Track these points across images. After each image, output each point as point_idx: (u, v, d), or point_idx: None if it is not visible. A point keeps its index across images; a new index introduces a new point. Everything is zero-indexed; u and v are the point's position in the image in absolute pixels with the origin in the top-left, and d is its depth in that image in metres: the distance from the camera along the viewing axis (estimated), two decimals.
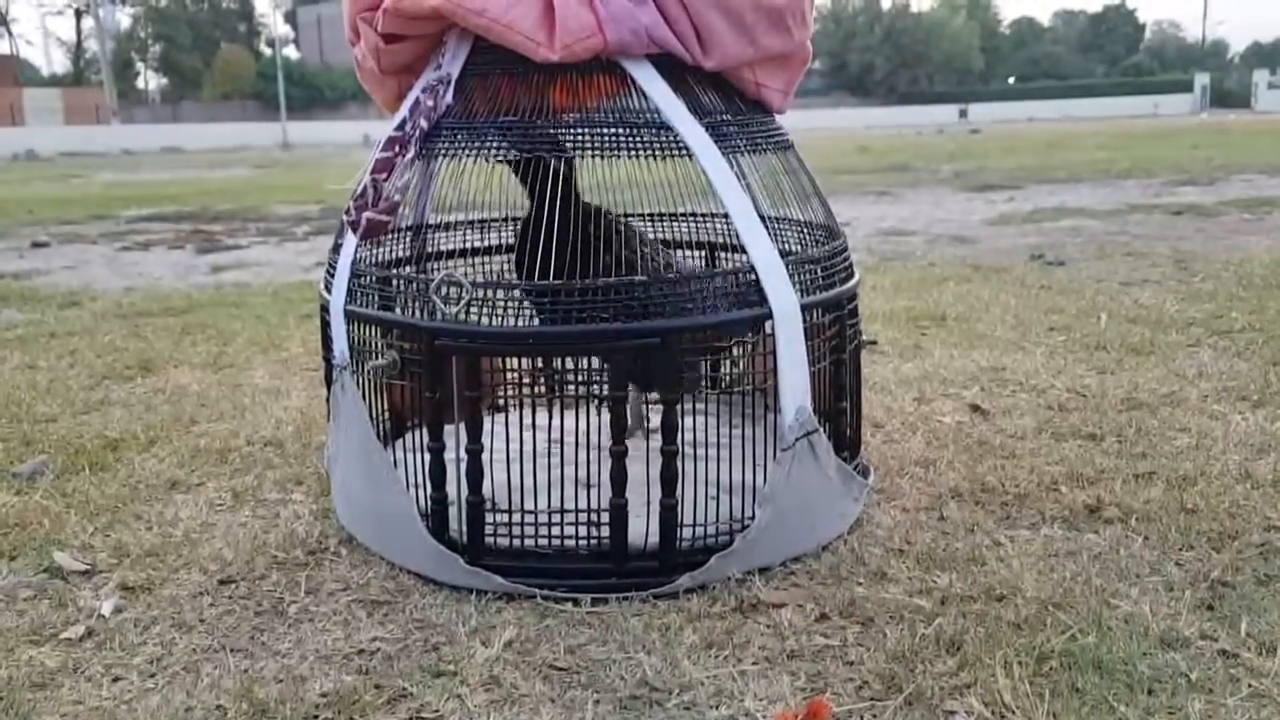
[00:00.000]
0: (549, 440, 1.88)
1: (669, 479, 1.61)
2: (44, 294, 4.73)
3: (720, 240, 2.07)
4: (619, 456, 1.61)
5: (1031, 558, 1.70)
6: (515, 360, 2.13)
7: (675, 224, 2.14)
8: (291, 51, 63.27)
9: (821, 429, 1.69)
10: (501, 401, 2.21)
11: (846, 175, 11.06)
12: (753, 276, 1.63)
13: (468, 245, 2.07)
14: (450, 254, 2.06)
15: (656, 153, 1.66)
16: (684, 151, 1.66)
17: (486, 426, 1.68)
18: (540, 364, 2.18)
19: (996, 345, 3.16)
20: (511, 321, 1.59)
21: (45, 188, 13.28)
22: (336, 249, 1.79)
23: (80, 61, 61.51)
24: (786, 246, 1.81)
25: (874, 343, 1.90)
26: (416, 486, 1.70)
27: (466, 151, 1.70)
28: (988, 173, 11.05)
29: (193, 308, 4.30)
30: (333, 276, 1.78)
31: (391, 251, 1.89)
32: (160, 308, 4.30)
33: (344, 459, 1.83)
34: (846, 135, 26.81)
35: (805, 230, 1.86)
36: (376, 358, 1.72)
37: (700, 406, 2.08)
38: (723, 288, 1.65)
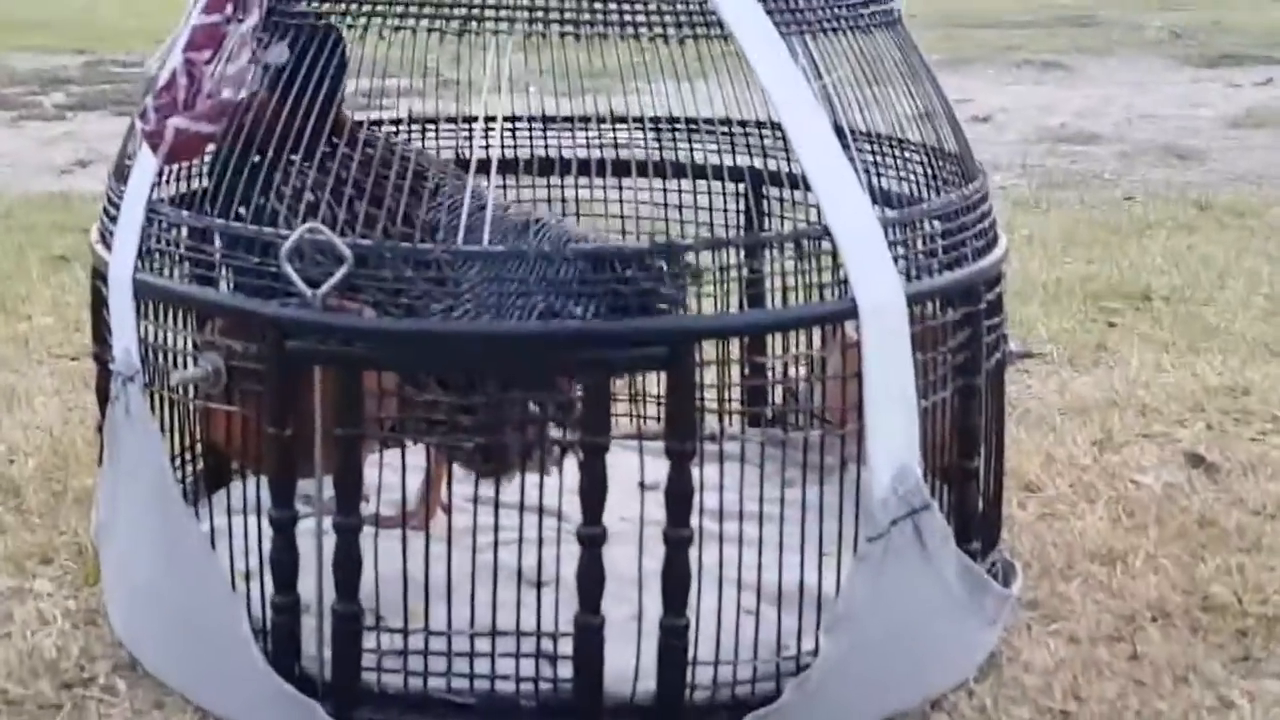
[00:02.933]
0: (475, 508, 1.41)
1: (677, 583, 1.18)
2: None
3: (770, 168, 1.58)
4: (593, 542, 1.15)
5: None
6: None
7: (702, 138, 1.63)
8: None
9: (936, 503, 1.25)
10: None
11: (986, 29, 7.49)
12: (824, 242, 1.20)
13: None
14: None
15: (669, 28, 1.23)
16: (715, 26, 1.22)
17: (371, 482, 1.28)
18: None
19: (1237, 347, 2.43)
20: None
21: None
22: (122, 175, 1.33)
23: None
24: (883, 186, 1.35)
25: (1030, 355, 1.51)
26: (247, 578, 1.28)
27: (345, 19, 1.28)
28: (1228, 33, 7.28)
29: None
30: (114, 221, 1.31)
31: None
32: None
33: (126, 526, 1.40)
34: None
35: (918, 161, 1.38)
36: (186, 363, 1.32)
37: (733, 450, 1.61)
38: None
